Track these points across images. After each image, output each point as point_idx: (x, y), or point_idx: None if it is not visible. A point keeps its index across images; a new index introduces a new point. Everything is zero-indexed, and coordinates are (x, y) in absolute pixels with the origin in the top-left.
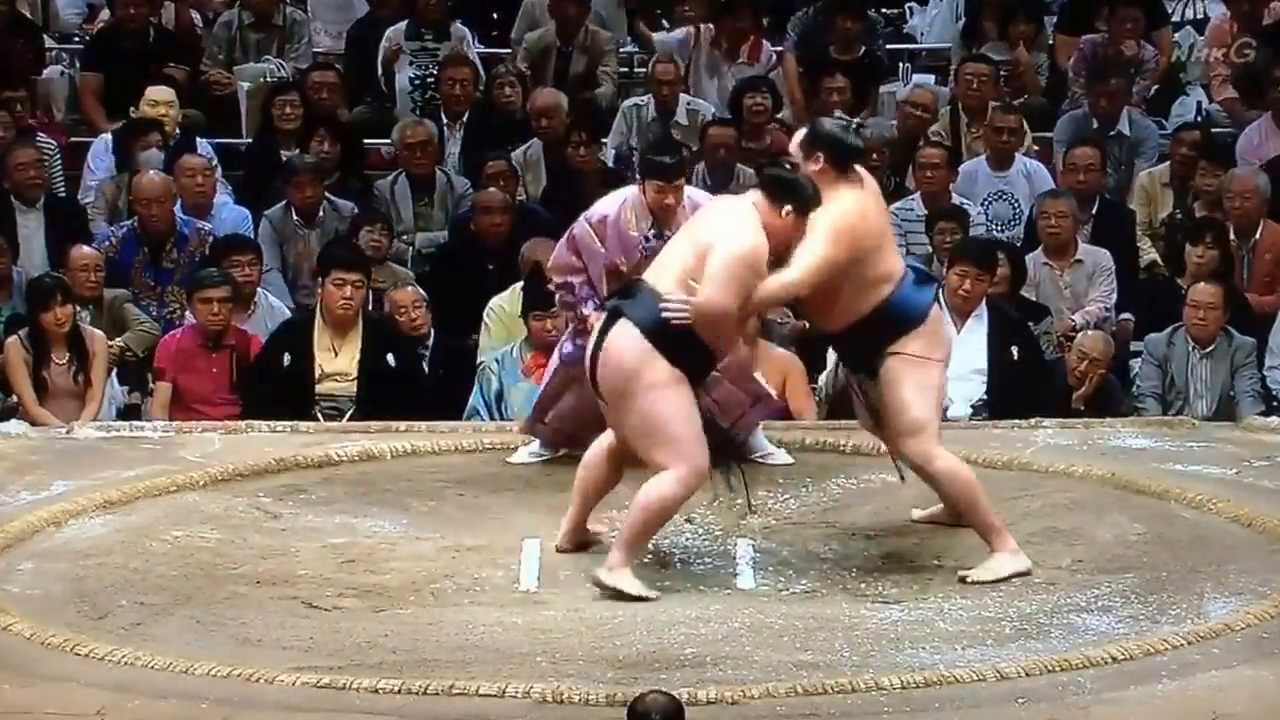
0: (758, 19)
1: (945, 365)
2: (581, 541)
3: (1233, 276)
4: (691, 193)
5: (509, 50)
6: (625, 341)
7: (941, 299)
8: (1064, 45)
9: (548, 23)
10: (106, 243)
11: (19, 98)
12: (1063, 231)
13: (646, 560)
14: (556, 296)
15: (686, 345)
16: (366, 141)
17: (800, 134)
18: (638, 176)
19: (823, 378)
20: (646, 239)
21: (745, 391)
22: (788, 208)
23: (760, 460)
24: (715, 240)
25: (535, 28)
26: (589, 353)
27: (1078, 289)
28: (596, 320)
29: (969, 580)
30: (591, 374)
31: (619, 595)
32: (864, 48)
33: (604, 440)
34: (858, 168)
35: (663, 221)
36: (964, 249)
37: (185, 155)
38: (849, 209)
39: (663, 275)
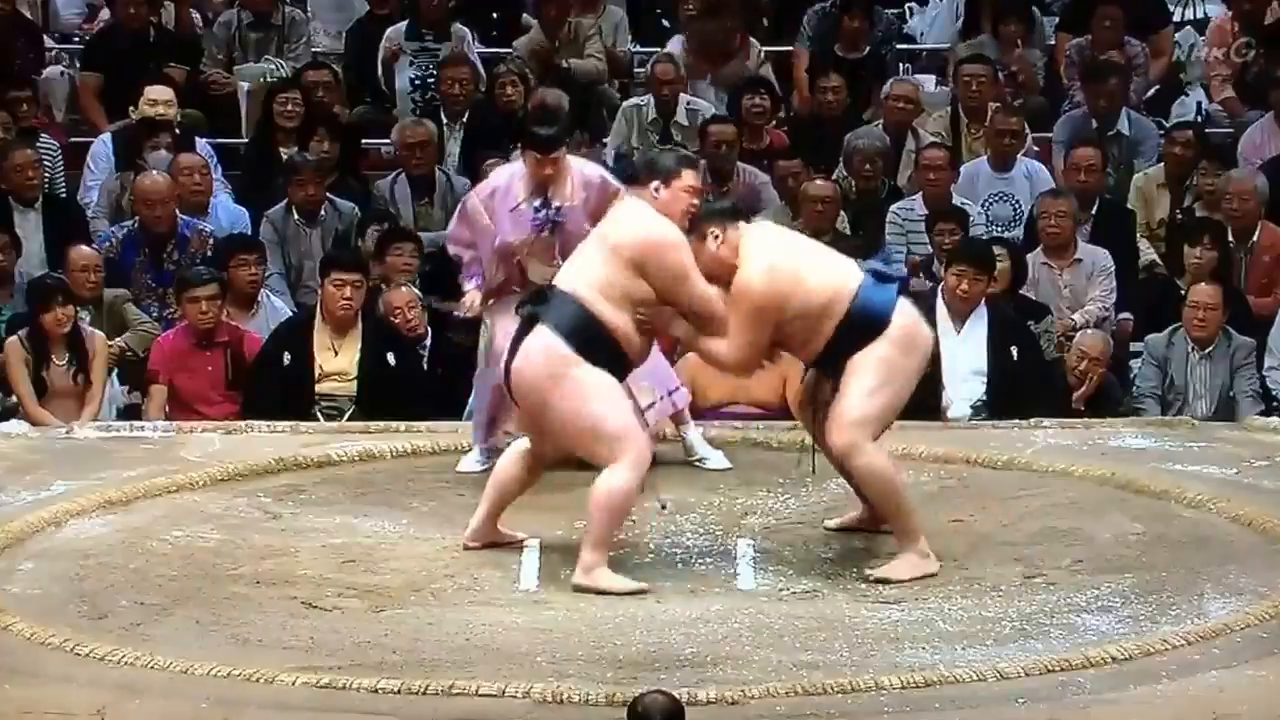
0: (742, 18)
1: (917, 372)
2: (490, 541)
3: (1231, 278)
4: (579, 164)
5: (509, 50)
6: (542, 347)
7: (927, 299)
8: (1065, 44)
9: (534, 27)
10: (107, 243)
11: (24, 98)
12: (1062, 231)
13: (647, 560)
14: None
15: (604, 350)
16: (366, 141)
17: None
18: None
19: None
20: (536, 210)
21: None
22: (655, 183)
23: (697, 464)
24: (625, 241)
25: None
26: (503, 363)
27: (1077, 288)
28: (475, 295)
29: (873, 578)
30: (508, 383)
31: (603, 593)
32: (869, 48)
33: (522, 442)
34: (754, 224)
35: (549, 193)
36: (962, 250)
37: (182, 154)
38: (749, 271)
39: (577, 281)
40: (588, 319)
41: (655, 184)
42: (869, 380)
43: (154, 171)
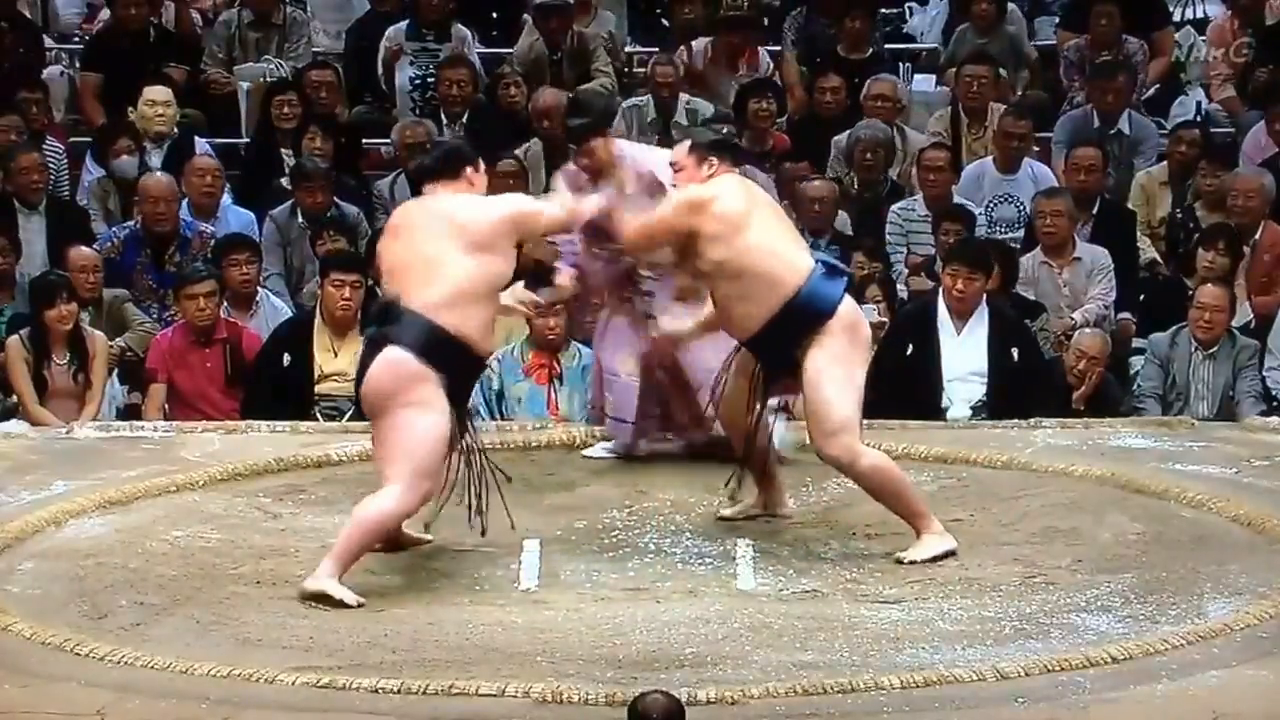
0: (754, 31)
1: (865, 364)
2: (395, 542)
3: (1234, 278)
4: (640, 155)
5: (510, 51)
6: (391, 364)
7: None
8: (1067, 39)
9: (536, 35)
10: (108, 244)
11: (35, 100)
12: (1059, 230)
13: (648, 559)
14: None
15: (454, 357)
16: (366, 141)
17: (683, 146)
18: None
19: None
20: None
21: None
22: (469, 169)
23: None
24: (468, 218)
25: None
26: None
27: (1076, 287)
28: (566, 281)
29: (904, 561)
30: (358, 400)
31: (324, 600)
32: (871, 48)
33: None
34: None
35: (600, 183)
36: (957, 250)
37: (194, 158)
38: (705, 189)
39: (420, 296)
40: (435, 332)
41: (469, 169)
42: (835, 379)
43: (158, 173)
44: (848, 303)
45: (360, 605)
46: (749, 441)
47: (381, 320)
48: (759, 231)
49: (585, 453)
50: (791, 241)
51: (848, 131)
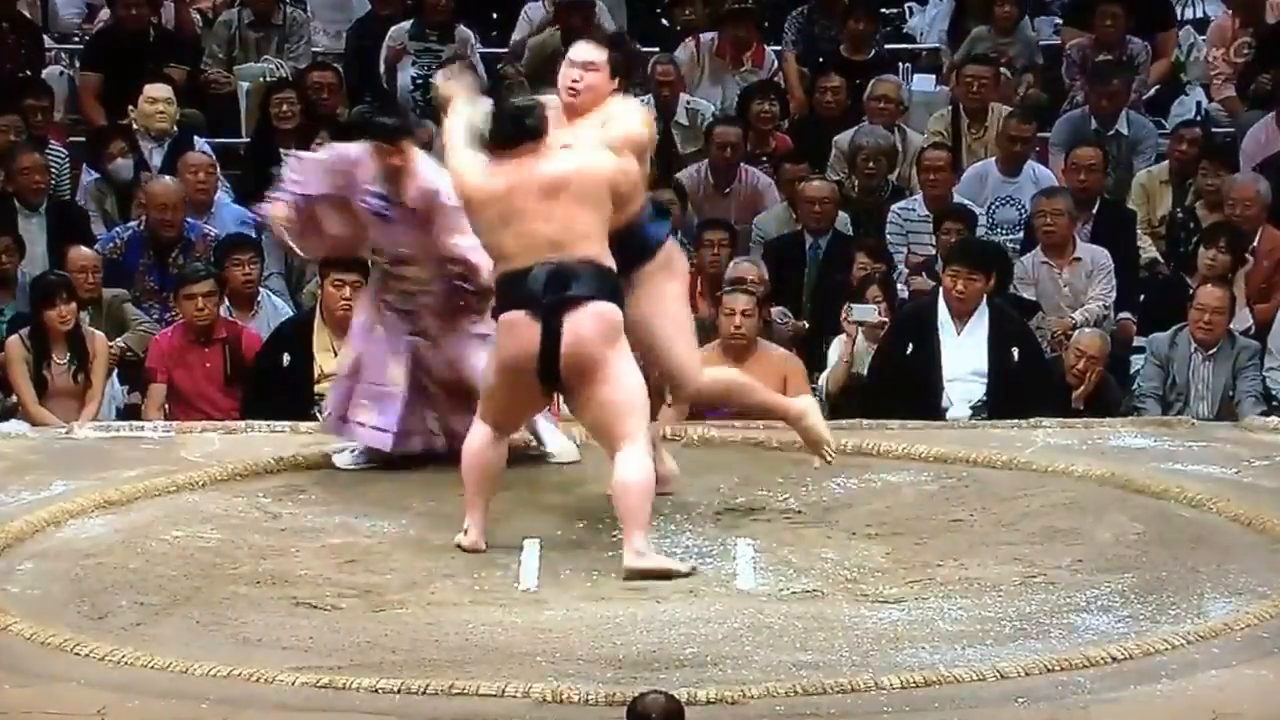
0: (759, 26)
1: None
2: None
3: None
4: (428, 170)
5: (510, 50)
6: (600, 316)
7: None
8: (1070, 38)
9: (550, 28)
10: (110, 244)
11: (40, 106)
12: (1058, 230)
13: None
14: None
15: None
16: None
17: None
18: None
19: (823, 378)
20: (370, 195)
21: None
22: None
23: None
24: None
25: (536, 33)
26: (535, 349)
27: (1077, 287)
28: (280, 210)
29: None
30: (547, 364)
31: (663, 576)
32: (874, 50)
33: (479, 433)
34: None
35: (390, 186)
36: (956, 250)
37: (188, 153)
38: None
39: (583, 246)
40: (612, 277)
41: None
42: (683, 324)
43: (165, 176)
44: (670, 239)
45: (692, 572)
46: None
47: (552, 285)
48: None
49: (336, 460)
50: None
51: (848, 132)
